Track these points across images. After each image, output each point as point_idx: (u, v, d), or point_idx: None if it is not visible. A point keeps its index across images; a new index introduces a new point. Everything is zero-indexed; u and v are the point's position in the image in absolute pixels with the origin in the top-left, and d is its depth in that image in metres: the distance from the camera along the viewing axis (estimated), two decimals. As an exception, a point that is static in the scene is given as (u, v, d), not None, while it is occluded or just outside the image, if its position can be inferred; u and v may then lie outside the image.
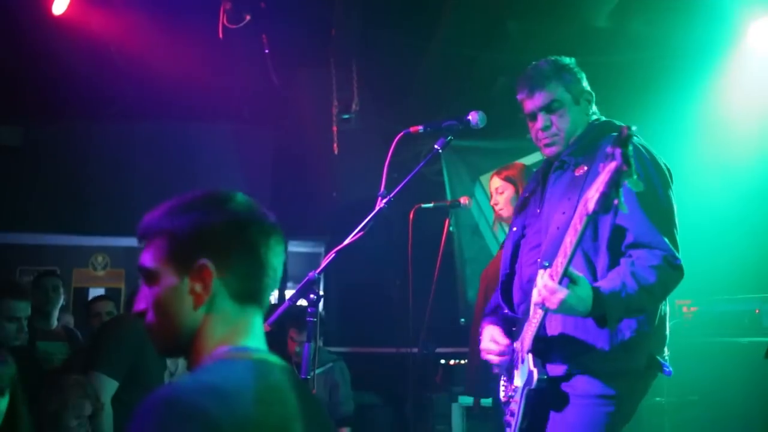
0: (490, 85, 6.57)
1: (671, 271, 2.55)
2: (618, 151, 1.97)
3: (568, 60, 2.91)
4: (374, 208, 3.10)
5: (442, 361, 6.13)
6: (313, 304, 2.98)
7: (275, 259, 1.69)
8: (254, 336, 1.64)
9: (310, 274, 2.96)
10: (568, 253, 2.33)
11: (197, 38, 5.48)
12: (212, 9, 5.24)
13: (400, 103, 6.57)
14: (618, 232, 2.60)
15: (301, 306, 2.97)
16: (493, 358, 2.95)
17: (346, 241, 3.06)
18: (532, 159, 6.36)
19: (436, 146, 3.24)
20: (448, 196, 6.32)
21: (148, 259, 1.62)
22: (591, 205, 2.10)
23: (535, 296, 2.44)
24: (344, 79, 6.24)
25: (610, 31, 5.58)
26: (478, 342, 4.40)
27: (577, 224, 2.26)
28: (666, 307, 2.73)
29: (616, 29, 5.55)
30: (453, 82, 6.48)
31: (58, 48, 5.84)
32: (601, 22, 5.50)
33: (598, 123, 2.88)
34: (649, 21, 5.47)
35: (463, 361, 6.07)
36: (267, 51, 5.80)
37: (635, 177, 1.97)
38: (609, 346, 2.58)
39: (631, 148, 1.97)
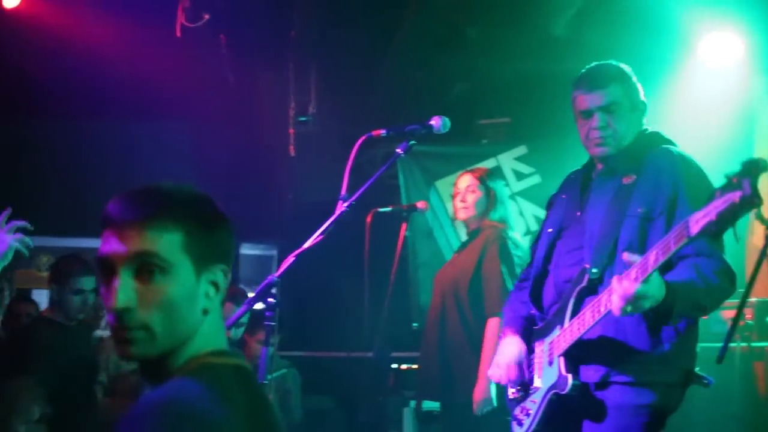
0: (447, 90, 6.62)
1: (729, 282, 2.54)
2: (747, 182, 1.89)
3: (628, 68, 2.88)
4: (334, 212, 3.09)
5: (394, 366, 6.13)
6: (272, 307, 2.95)
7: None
8: (223, 338, 1.60)
9: (270, 277, 2.94)
10: (650, 268, 2.27)
11: (155, 36, 5.40)
12: (171, 7, 5.17)
13: (358, 107, 6.57)
14: None
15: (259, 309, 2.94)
16: (502, 378, 2.90)
17: (306, 245, 3.05)
18: (488, 165, 6.42)
19: (398, 150, 3.24)
20: (403, 201, 6.32)
21: (159, 246, 1.45)
22: (695, 229, 2.06)
23: (615, 302, 2.36)
24: (302, 81, 6.23)
25: (566, 40, 5.67)
26: (429, 345, 4.41)
27: (671, 244, 2.20)
28: (698, 324, 2.73)
29: (572, 38, 5.65)
30: (411, 86, 6.51)
31: (8, 43, 5.70)
32: (559, 30, 5.60)
33: (647, 133, 2.87)
34: (604, 32, 5.57)
35: (414, 366, 6.08)
36: (224, 51, 5.74)
37: (761, 212, 1.91)
38: (649, 353, 2.56)
39: (759, 179, 1.89)
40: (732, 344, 4.39)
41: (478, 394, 4.09)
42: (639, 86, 2.86)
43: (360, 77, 6.42)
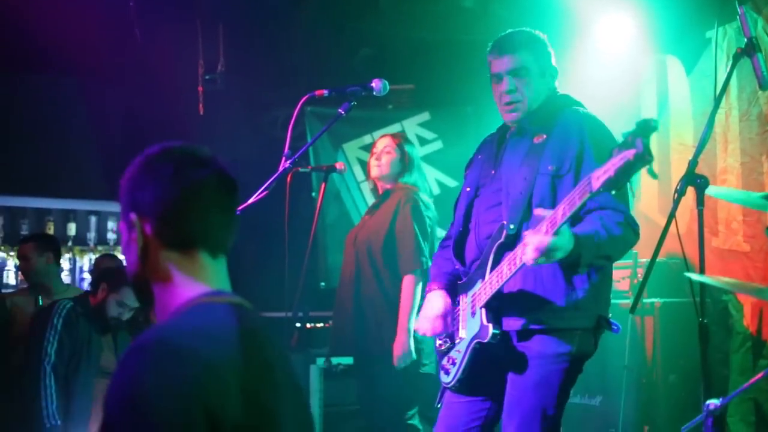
0: (355, 54, 6.69)
1: (631, 232, 2.75)
2: (640, 141, 2.06)
3: (542, 35, 3.01)
4: (278, 169, 3.20)
5: (298, 324, 6.21)
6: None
7: (213, 207, 1.72)
8: (224, 281, 1.71)
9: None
10: (558, 222, 2.45)
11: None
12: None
13: (266, 67, 6.55)
14: None
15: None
16: (428, 330, 3.02)
17: (249, 201, 3.13)
18: (393, 130, 6.58)
19: (340, 110, 3.34)
20: (311, 162, 6.38)
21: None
22: (596, 184, 2.22)
23: (529, 253, 2.52)
24: (211, 39, 6.15)
25: (474, 11, 5.85)
26: (344, 303, 4.51)
27: (576, 199, 2.36)
28: (612, 273, 2.96)
29: (480, 10, 5.83)
30: (320, 49, 6.53)
31: None
32: (468, 2, 5.77)
33: (557, 96, 3.02)
34: (509, 7, 5.78)
35: (319, 324, 6.20)
36: (132, 4, 5.59)
37: (652, 167, 2.07)
38: (565, 302, 2.75)
39: (650, 138, 2.05)
40: (625, 300, 4.77)
41: (398, 348, 4.26)
42: (551, 51, 3.02)
43: (270, 38, 6.39)
